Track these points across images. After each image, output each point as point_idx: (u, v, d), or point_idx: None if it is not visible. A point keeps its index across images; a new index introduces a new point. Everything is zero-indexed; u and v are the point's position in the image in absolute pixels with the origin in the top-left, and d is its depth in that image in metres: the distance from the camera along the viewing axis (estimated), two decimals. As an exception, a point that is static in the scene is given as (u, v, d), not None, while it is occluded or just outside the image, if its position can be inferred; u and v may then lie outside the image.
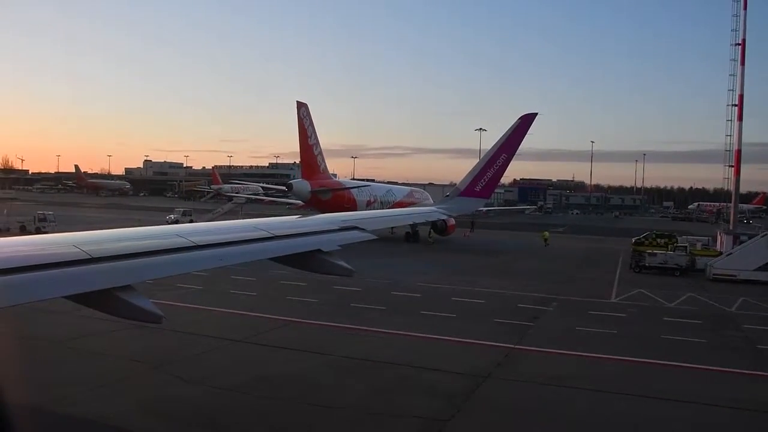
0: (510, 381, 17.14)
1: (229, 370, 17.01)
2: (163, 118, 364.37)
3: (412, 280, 33.74)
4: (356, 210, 54.72)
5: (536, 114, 15.21)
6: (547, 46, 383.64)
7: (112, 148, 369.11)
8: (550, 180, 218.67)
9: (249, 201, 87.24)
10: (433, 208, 15.73)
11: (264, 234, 8.53)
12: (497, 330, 22.59)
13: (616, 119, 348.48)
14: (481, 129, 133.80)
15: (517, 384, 16.89)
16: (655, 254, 42.47)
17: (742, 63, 49.71)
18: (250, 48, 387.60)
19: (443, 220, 56.04)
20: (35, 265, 5.58)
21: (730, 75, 50.54)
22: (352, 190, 61.36)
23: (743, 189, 53.78)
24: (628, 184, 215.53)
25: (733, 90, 50.34)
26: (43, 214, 55.05)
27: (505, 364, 18.67)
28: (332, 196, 56.32)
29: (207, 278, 28.88)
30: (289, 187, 57.89)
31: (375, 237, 10.73)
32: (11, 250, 6.00)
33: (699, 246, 46.76)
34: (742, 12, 49.77)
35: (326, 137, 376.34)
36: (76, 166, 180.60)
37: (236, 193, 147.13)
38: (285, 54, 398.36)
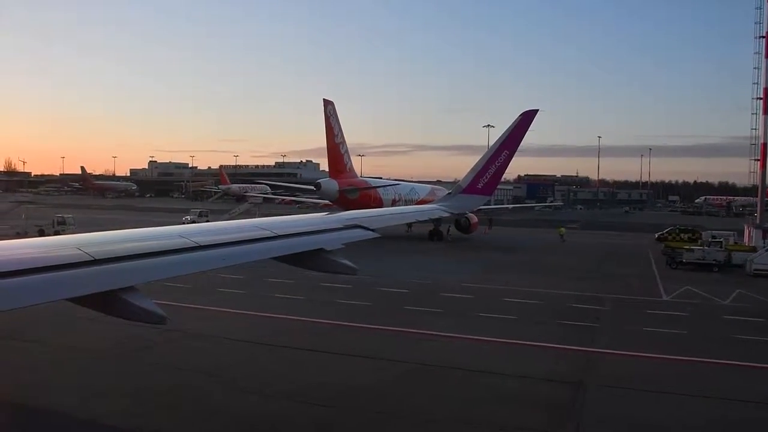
0: (610, 389, 15.77)
1: (303, 380, 15.54)
2: (163, 119, 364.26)
3: (453, 281, 32.39)
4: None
5: (537, 110, 15.18)
6: (549, 41, 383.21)
7: (112, 149, 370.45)
8: (555, 176, 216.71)
9: (265, 200, 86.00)
10: (435, 206, 15.69)
11: (267, 234, 8.51)
12: (563, 332, 21.62)
13: (616, 114, 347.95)
14: (489, 125, 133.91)
15: (619, 392, 15.55)
16: (693, 250, 41.50)
17: (767, 56, 48.35)
18: (249, 47, 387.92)
19: (466, 217, 55.58)
20: (38, 267, 5.58)
21: (755, 68, 49.60)
22: (378, 189, 60.78)
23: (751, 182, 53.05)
24: (631, 178, 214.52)
25: (757, 83, 49.50)
26: (62, 217, 53.32)
27: (591, 368, 17.59)
28: (359, 195, 56.02)
29: (244, 281, 28.00)
30: (318, 186, 57.03)
31: (378, 235, 10.69)
32: (14, 252, 6.00)
33: (731, 241, 45.31)
34: (766, 4, 48.60)
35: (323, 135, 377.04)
36: (83, 168, 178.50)
37: (245, 192, 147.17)
38: (284, 53, 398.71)
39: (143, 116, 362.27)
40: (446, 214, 15.24)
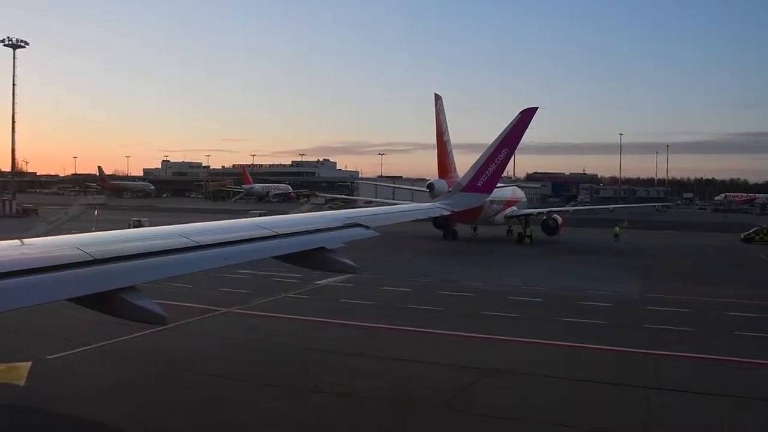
0: None
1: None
2: (162, 120, 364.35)
3: (614, 289, 29.12)
4: (482, 211, 53.03)
5: (536, 108, 15.15)
6: (549, 39, 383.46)
7: (115, 149, 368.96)
8: (563, 173, 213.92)
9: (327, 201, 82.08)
10: (435, 204, 15.69)
11: (267, 232, 8.49)
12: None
13: (614, 112, 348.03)
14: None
15: None
16: None
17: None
18: (248, 47, 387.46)
19: (554, 218, 54.42)
20: (38, 267, 5.55)
21: None
22: None
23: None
24: (634, 175, 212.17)
25: None
26: (139, 220, 50.01)
27: None
28: None
29: (318, 290, 26.28)
30: (431, 187, 52.24)
31: (378, 234, 10.69)
32: (14, 252, 5.98)
33: None
34: None
35: (326, 134, 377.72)
36: (100, 168, 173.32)
37: (267, 192, 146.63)
38: (283, 52, 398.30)
39: (140, 118, 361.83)
40: (446, 212, 15.22)
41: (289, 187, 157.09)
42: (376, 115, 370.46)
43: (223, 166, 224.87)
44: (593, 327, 21.19)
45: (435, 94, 54.68)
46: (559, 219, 55.11)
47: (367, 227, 10.40)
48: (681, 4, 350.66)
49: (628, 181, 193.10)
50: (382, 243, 54.12)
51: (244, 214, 66.47)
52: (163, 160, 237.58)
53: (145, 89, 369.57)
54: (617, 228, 58.90)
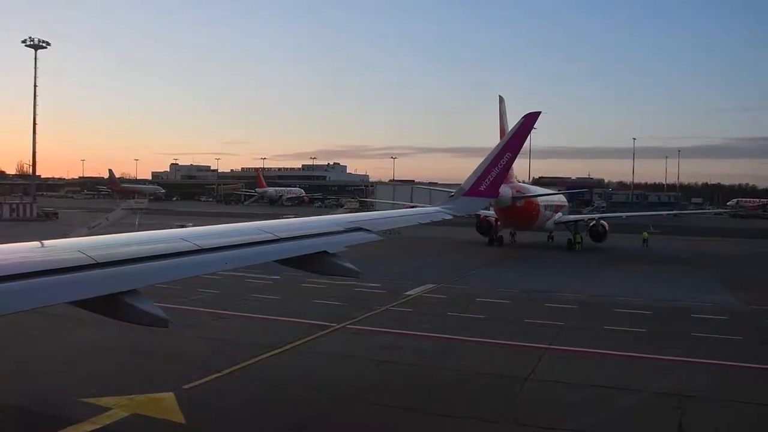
0: None
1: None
2: (162, 121, 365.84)
3: (715, 300, 27.76)
4: (539, 217, 52.49)
5: (539, 113, 15.17)
6: (551, 42, 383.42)
7: (114, 153, 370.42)
8: (569, 177, 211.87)
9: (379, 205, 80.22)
10: (437, 208, 15.61)
11: (269, 236, 8.54)
12: None
13: (617, 116, 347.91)
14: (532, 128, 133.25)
15: None
16: None
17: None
18: (247, 48, 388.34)
19: (602, 224, 53.13)
20: (40, 271, 5.59)
21: None
22: (538, 197, 56.07)
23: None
24: (647, 180, 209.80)
25: None
26: (182, 225, 47.74)
27: None
28: (525, 203, 51.57)
29: (413, 302, 25.24)
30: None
31: (380, 238, 10.71)
32: (17, 255, 6.00)
33: None
34: None
35: (327, 138, 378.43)
36: (110, 171, 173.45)
37: (280, 196, 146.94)
38: (282, 54, 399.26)
39: (140, 119, 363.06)
40: (449, 217, 15.17)
41: (302, 190, 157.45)
42: (378, 119, 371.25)
43: (231, 170, 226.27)
44: (733, 343, 19.78)
45: (499, 96, 53.00)
46: (607, 225, 53.94)
47: (369, 231, 10.43)
48: (682, 3, 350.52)
49: (637, 186, 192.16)
50: (429, 250, 49.90)
51: (272, 217, 65.05)
52: (172, 164, 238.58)
53: (143, 92, 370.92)
54: (645, 233, 57.39)
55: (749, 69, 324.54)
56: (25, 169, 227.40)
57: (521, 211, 50.78)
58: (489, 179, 14.72)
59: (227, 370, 14.85)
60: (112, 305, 5.94)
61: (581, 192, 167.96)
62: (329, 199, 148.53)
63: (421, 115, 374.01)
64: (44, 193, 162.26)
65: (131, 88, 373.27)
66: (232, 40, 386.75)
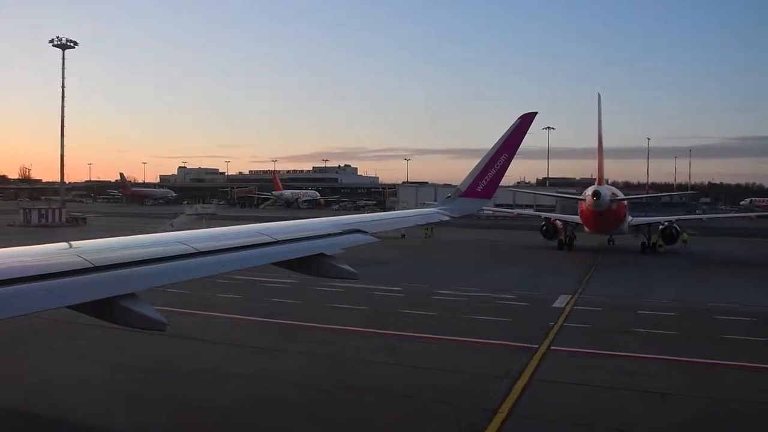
0: None
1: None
2: (160, 123, 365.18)
3: None
4: (625, 220, 52.00)
5: (536, 113, 15.17)
6: (548, 42, 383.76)
7: (112, 156, 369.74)
8: (574, 178, 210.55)
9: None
10: (435, 210, 15.62)
11: (266, 239, 8.54)
12: None
13: (618, 116, 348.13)
14: (549, 128, 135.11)
15: None
16: None
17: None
18: (246, 50, 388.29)
19: (675, 227, 52.32)
20: (37, 275, 5.58)
21: None
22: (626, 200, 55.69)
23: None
24: (655, 180, 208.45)
25: None
26: None
27: None
28: (617, 206, 50.32)
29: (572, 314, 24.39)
30: (597, 195, 48.14)
31: (378, 240, 10.71)
32: (14, 259, 5.99)
33: None
34: None
35: (324, 140, 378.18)
36: (122, 175, 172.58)
37: (296, 198, 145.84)
38: (280, 56, 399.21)
39: (138, 121, 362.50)
40: (446, 218, 15.18)
41: (317, 193, 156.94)
42: (375, 120, 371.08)
43: (239, 172, 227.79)
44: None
45: (598, 94, 51.98)
46: (679, 227, 53.49)
47: (366, 233, 10.44)
48: (684, 4, 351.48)
49: (643, 186, 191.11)
50: (504, 256, 50.37)
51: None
52: (180, 167, 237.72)
53: (141, 93, 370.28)
54: (685, 234, 56.05)
55: (751, 68, 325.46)
56: (27, 173, 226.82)
57: (615, 215, 49.45)
58: (486, 180, 14.73)
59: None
60: (109, 309, 5.93)
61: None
62: (343, 201, 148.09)
63: (419, 116, 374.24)
64: (50, 198, 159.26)
65: (130, 90, 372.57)
66: (230, 43, 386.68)
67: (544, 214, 61.52)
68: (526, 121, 15.10)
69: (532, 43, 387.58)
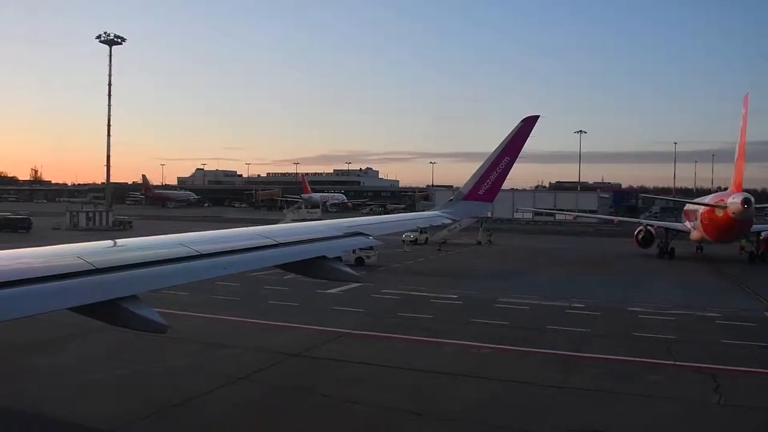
0: None
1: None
2: (165, 125, 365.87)
3: None
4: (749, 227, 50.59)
5: (538, 117, 15.13)
6: (550, 46, 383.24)
7: (121, 158, 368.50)
8: (587, 183, 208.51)
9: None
10: (437, 212, 15.62)
11: (268, 241, 8.52)
12: None
13: (620, 119, 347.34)
14: (581, 131, 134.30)
15: None
16: None
17: None
18: (246, 52, 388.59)
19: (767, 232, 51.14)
20: (40, 277, 5.59)
21: None
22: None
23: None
24: (658, 184, 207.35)
25: None
26: None
27: None
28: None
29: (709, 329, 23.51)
30: (748, 202, 45.49)
31: (379, 242, 10.70)
32: (16, 262, 6.00)
33: None
34: None
35: (325, 143, 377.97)
36: (144, 177, 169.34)
37: (324, 201, 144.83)
38: (281, 59, 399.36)
39: (138, 122, 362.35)
40: (448, 221, 15.17)
41: (344, 196, 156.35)
42: (377, 123, 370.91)
43: (258, 175, 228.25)
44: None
45: (745, 94, 50.70)
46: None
47: (367, 236, 10.43)
48: (684, 4, 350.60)
49: (658, 191, 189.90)
50: (615, 267, 46.98)
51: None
52: (198, 169, 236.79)
53: (141, 94, 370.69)
54: (744, 241, 54.42)
55: (753, 71, 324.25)
56: (39, 175, 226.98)
57: (747, 222, 47.38)
58: (488, 183, 14.68)
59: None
60: (111, 311, 5.93)
61: (627, 197, 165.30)
62: (370, 204, 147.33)
63: (421, 120, 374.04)
64: (68, 200, 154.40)
65: (134, 92, 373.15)
66: (231, 44, 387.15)
67: (643, 221, 60.37)
68: (528, 124, 15.05)
69: (531, 40, 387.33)
